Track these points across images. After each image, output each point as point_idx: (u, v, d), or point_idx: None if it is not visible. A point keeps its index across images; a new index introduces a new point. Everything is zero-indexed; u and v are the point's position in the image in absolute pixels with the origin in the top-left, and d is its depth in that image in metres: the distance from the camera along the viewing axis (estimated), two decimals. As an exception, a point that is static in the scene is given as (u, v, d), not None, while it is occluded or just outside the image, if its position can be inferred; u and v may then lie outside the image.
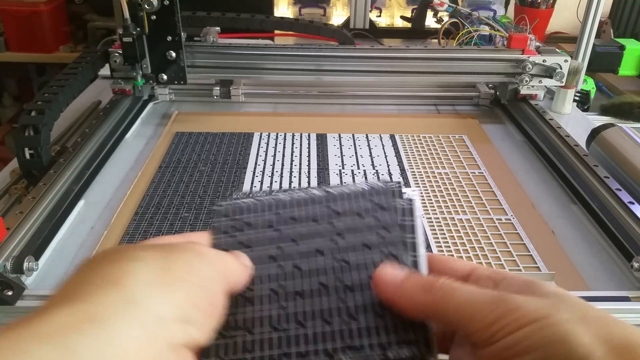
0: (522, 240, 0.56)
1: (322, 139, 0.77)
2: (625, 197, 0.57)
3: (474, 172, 0.69)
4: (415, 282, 0.24)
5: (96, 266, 0.21)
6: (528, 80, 0.82)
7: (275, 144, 0.75)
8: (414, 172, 0.69)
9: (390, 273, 0.25)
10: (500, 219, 0.59)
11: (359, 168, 0.70)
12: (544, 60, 0.81)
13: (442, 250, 0.54)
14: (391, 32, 1.38)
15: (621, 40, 1.06)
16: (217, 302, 0.23)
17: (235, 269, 0.25)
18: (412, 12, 1.38)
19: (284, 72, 0.83)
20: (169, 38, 0.75)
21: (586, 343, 0.19)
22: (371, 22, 1.32)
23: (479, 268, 0.26)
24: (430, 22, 1.32)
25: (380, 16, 1.44)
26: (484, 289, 0.22)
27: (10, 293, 0.44)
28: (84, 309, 0.19)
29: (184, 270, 0.22)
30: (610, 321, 0.21)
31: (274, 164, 0.70)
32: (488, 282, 0.24)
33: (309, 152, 0.74)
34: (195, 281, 0.22)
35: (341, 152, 0.74)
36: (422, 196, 0.63)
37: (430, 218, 0.59)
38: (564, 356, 0.19)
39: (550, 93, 0.91)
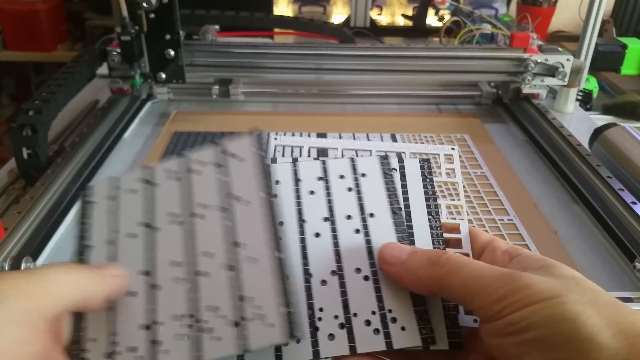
0: (525, 241, 0.55)
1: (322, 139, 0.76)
2: (628, 197, 0.57)
3: (476, 172, 0.68)
4: (421, 256, 0.23)
5: None
6: (530, 79, 0.81)
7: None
8: (415, 171, 0.68)
9: (395, 249, 0.24)
10: (502, 220, 0.59)
11: (359, 168, 0.69)
12: (546, 59, 0.81)
13: (444, 251, 0.53)
14: (392, 31, 1.37)
15: (624, 39, 1.06)
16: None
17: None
18: (413, 11, 1.37)
19: (284, 70, 0.82)
20: (168, 36, 0.74)
21: (594, 324, 0.19)
22: (372, 21, 1.31)
23: (496, 240, 0.25)
24: (431, 20, 1.31)
25: (381, 14, 1.43)
26: (493, 265, 0.22)
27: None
28: None
29: None
30: (620, 306, 0.20)
31: (273, 163, 0.69)
32: (504, 256, 0.24)
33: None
34: None
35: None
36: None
37: (432, 218, 0.58)
38: (569, 335, 0.19)
39: (552, 92, 0.91)
